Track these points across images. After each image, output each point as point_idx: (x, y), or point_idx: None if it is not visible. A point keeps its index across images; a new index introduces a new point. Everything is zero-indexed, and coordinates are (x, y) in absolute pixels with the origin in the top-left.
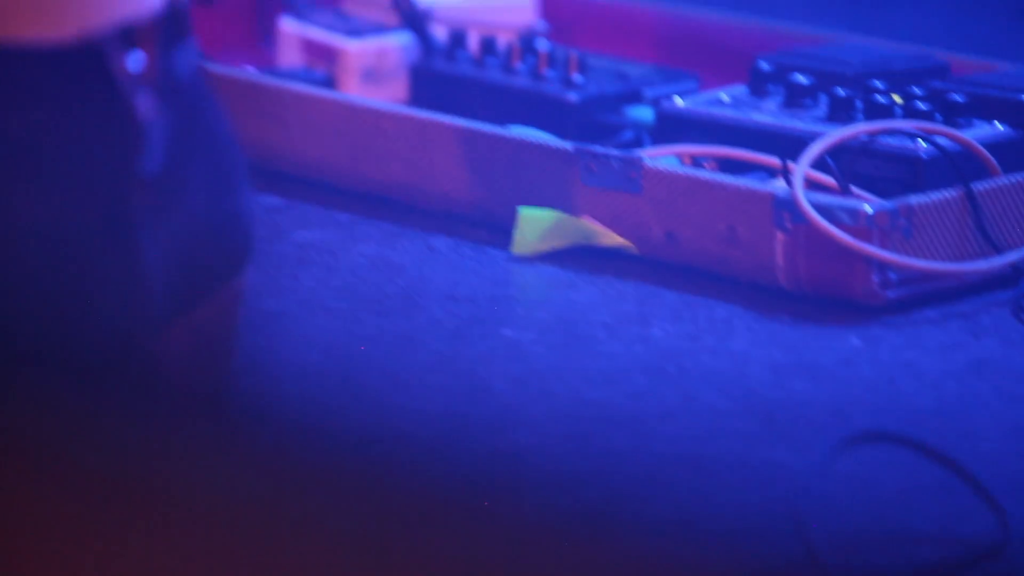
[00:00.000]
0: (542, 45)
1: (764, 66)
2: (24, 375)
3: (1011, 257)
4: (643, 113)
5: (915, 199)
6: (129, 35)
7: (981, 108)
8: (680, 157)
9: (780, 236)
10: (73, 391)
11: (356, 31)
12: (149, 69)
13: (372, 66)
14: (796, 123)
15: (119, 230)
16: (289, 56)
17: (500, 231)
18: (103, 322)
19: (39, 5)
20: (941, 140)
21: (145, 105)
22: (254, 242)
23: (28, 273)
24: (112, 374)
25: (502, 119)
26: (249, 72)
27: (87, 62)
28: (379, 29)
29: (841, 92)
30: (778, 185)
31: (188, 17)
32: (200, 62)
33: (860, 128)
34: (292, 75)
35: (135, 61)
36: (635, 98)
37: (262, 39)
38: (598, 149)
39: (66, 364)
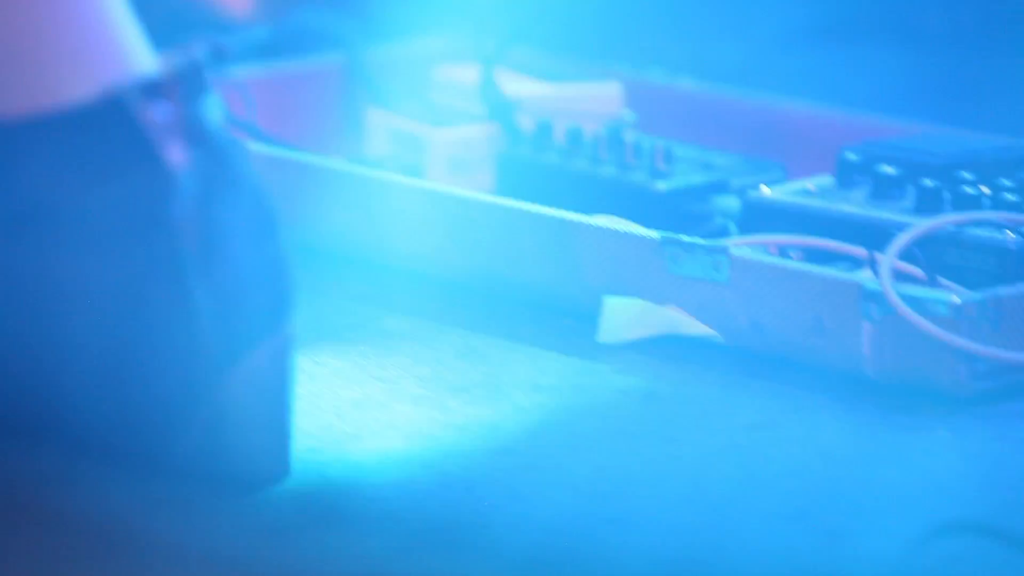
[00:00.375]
0: (629, 135)
1: (851, 156)
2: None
3: None
4: (730, 203)
5: (1004, 290)
6: (152, 87)
7: None
8: (766, 247)
9: (867, 326)
10: (134, 451)
11: (443, 120)
12: (175, 119)
13: (459, 155)
14: (883, 213)
15: (166, 280)
16: (377, 145)
17: (585, 319)
18: (163, 378)
19: (56, 71)
20: None
21: (174, 154)
22: (297, 289)
23: (78, 338)
24: (175, 430)
25: (588, 208)
26: (338, 162)
27: (112, 116)
28: (466, 118)
29: (928, 183)
30: (865, 275)
31: (207, 70)
32: (223, 115)
33: (948, 219)
34: (379, 164)
35: (160, 111)
36: (722, 188)
37: (351, 129)
38: (684, 238)
39: (129, 426)
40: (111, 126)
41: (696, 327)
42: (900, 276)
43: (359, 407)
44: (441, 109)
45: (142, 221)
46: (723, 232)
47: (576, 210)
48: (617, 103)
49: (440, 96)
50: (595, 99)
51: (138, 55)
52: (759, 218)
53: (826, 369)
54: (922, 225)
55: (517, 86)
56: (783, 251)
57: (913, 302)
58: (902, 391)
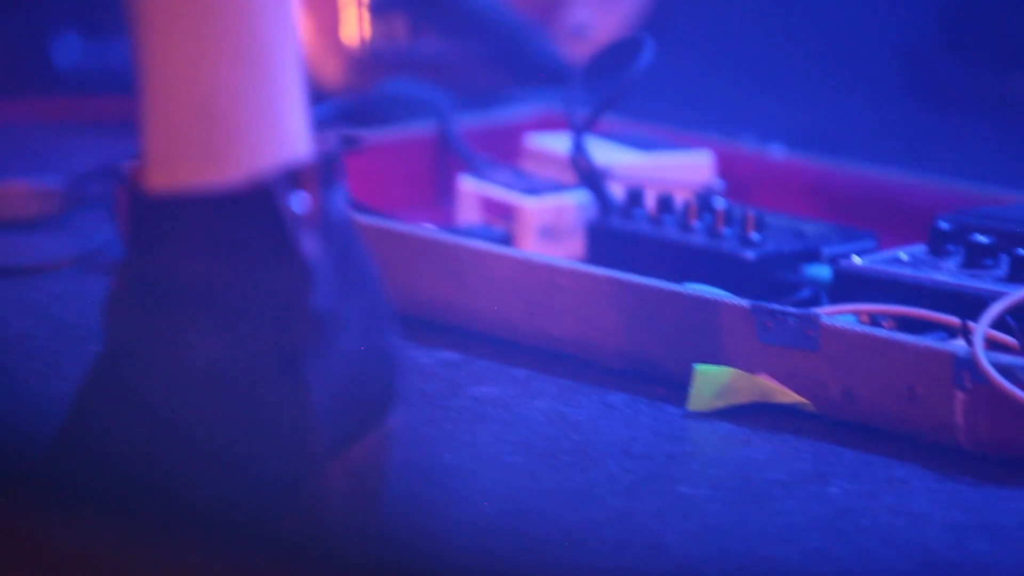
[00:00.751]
0: (719, 203)
1: (944, 225)
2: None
3: None
4: (821, 271)
5: None
6: (293, 177)
7: None
8: (858, 315)
9: (960, 396)
10: (232, 531)
11: (534, 189)
12: (312, 210)
13: (549, 223)
14: (976, 283)
15: (287, 369)
16: (468, 213)
17: (676, 387)
18: (272, 461)
19: (213, 153)
20: None
21: (310, 245)
22: (402, 381)
23: (199, 414)
24: (276, 514)
25: (679, 276)
26: (429, 229)
27: (256, 204)
28: (557, 187)
29: (1022, 252)
30: (958, 345)
31: (341, 161)
32: (350, 206)
33: None
34: (470, 232)
35: (299, 202)
36: (813, 256)
37: (442, 197)
38: (775, 307)
39: (231, 507)
40: (255, 213)
41: (787, 396)
42: (993, 345)
43: (450, 473)
44: (532, 177)
45: (271, 308)
46: (814, 301)
47: (666, 278)
48: (708, 171)
49: (531, 164)
50: (686, 167)
51: (298, 138)
52: (851, 287)
53: (919, 438)
54: (1015, 294)
55: (608, 155)
56: (875, 320)
57: (1006, 372)
58: (995, 461)
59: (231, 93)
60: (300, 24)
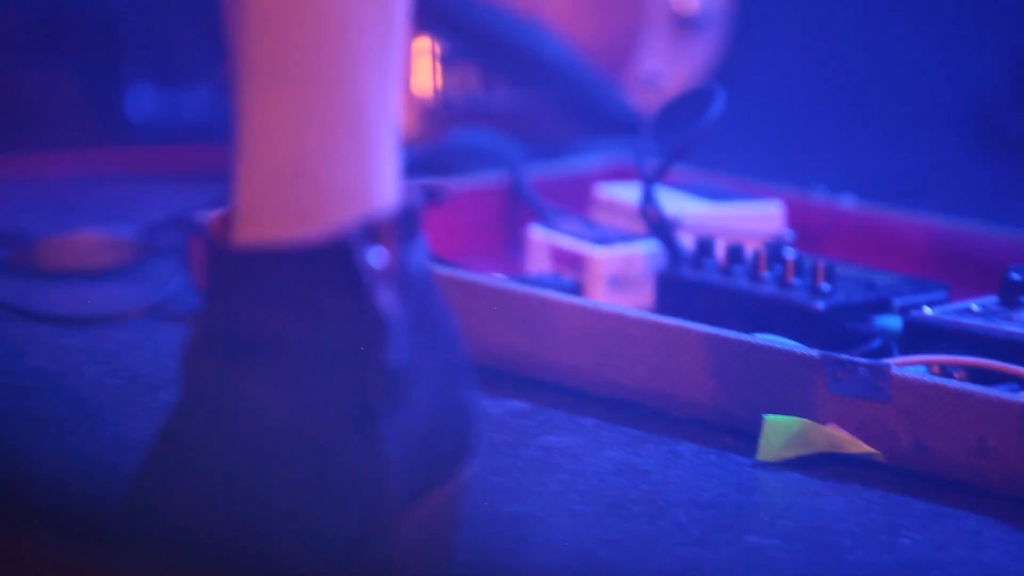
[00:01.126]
0: (789, 253)
1: (1016, 276)
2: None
3: None
4: (891, 322)
5: None
6: (371, 231)
7: None
8: (929, 366)
9: None
10: None
11: (604, 239)
12: (389, 264)
13: (619, 273)
14: None
15: (362, 423)
16: (538, 263)
17: (745, 437)
18: (345, 514)
19: (300, 210)
20: None
21: (386, 299)
22: (477, 435)
23: (273, 466)
24: (349, 567)
25: (749, 326)
26: (499, 279)
27: (333, 259)
28: (626, 237)
29: None
30: None
31: (421, 215)
32: (430, 260)
33: None
34: (540, 282)
35: (377, 257)
36: (884, 307)
37: (512, 247)
38: (845, 357)
39: (306, 558)
40: (332, 268)
41: (857, 446)
42: None
43: (518, 523)
44: (602, 227)
45: (348, 364)
46: (885, 351)
47: (736, 328)
48: (778, 221)
49: (601, 214)
50: (756, 217)
51: (384, 192)
52: (922, 338)
53: (990, 490)
54: None
55: (678, 205)
56: (946, 371)
57: None
58: None
59: (323, 155)
60: (402, 86)
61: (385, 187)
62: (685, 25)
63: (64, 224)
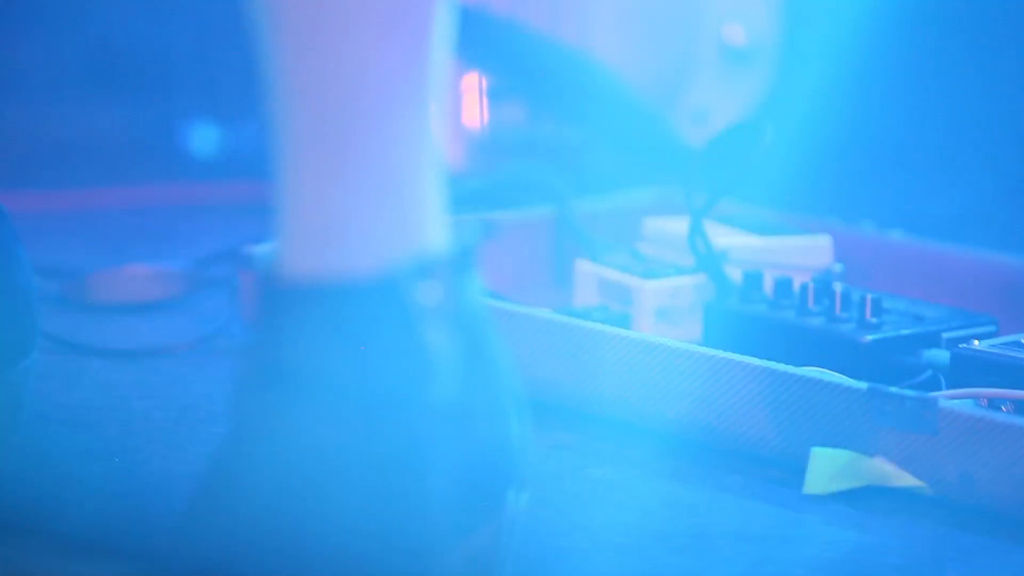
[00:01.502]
0: (837, 287)
1: None
2: None
3: None
4: (940, 355)
5: None
6: (423, 269)
7: None
8: (977, 399)
9: None
10: None
11: (651, 271)
12: (440, 301)
13: (667, 306)
14: None
15: (410, 459)
16: (585, 296)
17: (792, 470)
18: (390, 550)
19: (341, 250)
20: None
21: (435, 336)
22: (526, 470)
23: (320, 502)
24: None
25: (796, 359)
26: (546, 311)
27: (384, 296)
28: (674, 270)
29: None
30: None
31: (475, 252)
32: (484, 295)
33: None
34: (587, 314)
35: (427, 294)
36: (932, 340)
37: (559, 279)
38: (893, 390)
39: None
40: (382, 304)
41: (904, 479)
42: None
43: (563, 556)
44: (649, 260)
45: (396, 400)
46: (933, 384)
47: (783, 361)
48: (827, 255)
49: (648, 247)
50: (804, 251)
51: (433, 228)
52: (970, 371)
53: None
54: None
55: (726, 238)
56: (994, 404)
57: None
58: None
59: (358, 207)
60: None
61: (431, 228)
62: (735, 58)
63: (115, 258)
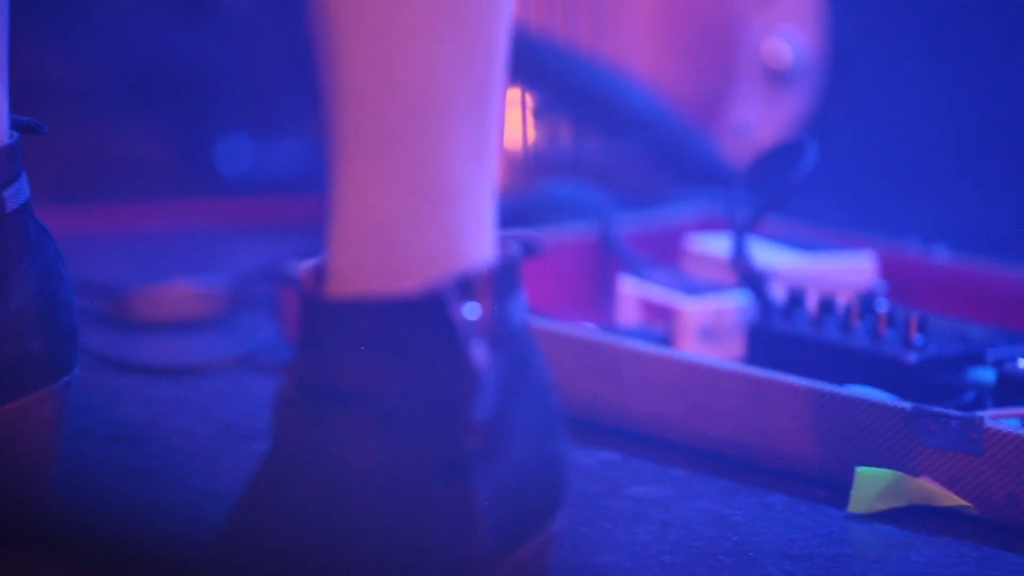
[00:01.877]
0: (881, 305)
1: None
2: None
3: None
4: (985, 374)
5: None
6: (467, 286)
7: None
8: (1023, 419)
9: None
10: None
11: (694, 290)
12: (484, 319)
13: (709, 324)
14: None
15: (454, 475)
16: (627, 314)
17: (837, 489)
18: (436, 567)
19: (382, 269)
20: None
21: (480, 354)
22: (568, 487)
23: (364, 518)
24: None
25: (840, 378)
26: (587, 330)
27: (428, 312)
28: (717, 288)
29: None
30: None
31: (520, 269)
32: (528, 313)
33: None
34: (630, 333)
35: (472, 311)
36: (977, 359)
37: (602, 298)
38: (938, 409)
39: None
40: (426, 322)
41: (949, 499)
42: None
43: (607, 573)
44: (692, 279)
45: (440, 416)
46: (978, 404)
47: (828, 380)
48: (870, 273)
49: (691, 266)
50: (848, 269)
51: (480, 247)
52: (1016, 390)
53: None
54: None
55: (769, 256)
56: None
57: None
58: None
59: (411, 222)
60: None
61: (479, 245)
62: (777, 76)
63: (155, 275)
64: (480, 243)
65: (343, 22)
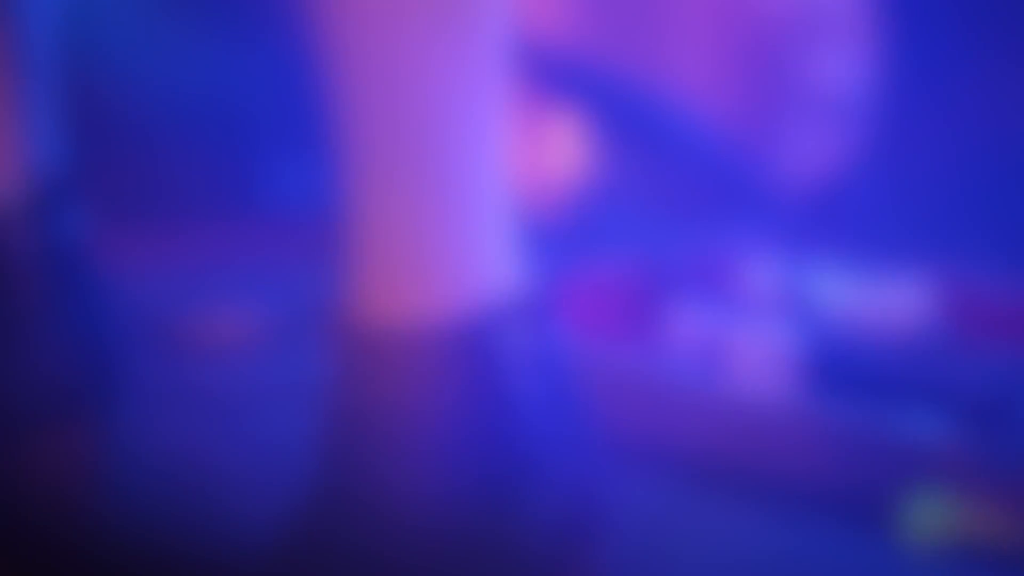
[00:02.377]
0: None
1: None
2: None
3: None
4: None
5: None
6: (502, 313)
7: None
8: None
9: None
10: None
11: None
12: (519, 346)
13: None
14: None
15: (495, 505)
16: None
17: (898, 517)
18: None
19: (421, 287)
20: None
21: (515, 382)
22: (610, 514)
23: (404, 547)
24: None
25: None
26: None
27: (461, 340)
28: None
29: None
30: None
31: (552, 295)
32: (557, 339)
33: None
34: None
35: (506, 338)
36: None
37: None
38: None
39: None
40: (461, 349)
41: (1014, 528)
42: None
43: None
44: None
45: (475, 446)
46: None
47: None
48: (918, 304)
49: None
50: (898, 298)
51: (507, 274)
52: None
53: None
54: None
55: (817, 283)
56: None
57: None
58: None
59: (446, 241)
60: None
61: (508, 271)
62: (825, 102)
63: (192, 301)
64: (510, 271)
65: (356, 49)
